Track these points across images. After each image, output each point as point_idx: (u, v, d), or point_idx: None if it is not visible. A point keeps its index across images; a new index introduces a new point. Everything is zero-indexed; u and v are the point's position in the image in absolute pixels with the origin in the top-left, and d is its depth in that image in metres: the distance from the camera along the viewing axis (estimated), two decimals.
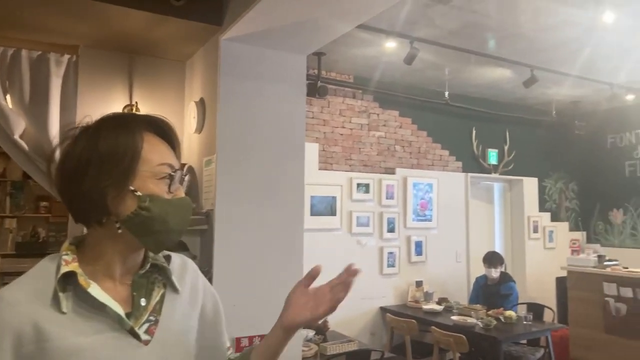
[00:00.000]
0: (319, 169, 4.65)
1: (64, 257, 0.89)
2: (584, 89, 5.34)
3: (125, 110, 3.14)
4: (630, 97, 5.54)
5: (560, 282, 5.70)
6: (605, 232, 6.38)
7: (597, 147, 6.43)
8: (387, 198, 5.00)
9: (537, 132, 6.24)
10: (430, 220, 5.30)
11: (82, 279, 0.86)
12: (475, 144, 5.75)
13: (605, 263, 4.86)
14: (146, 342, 0.89)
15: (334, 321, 3.79)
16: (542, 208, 6.26)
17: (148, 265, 0.96)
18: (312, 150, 4.53)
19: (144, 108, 3.12)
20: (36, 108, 2.83)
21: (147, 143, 0.90)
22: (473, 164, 5.74)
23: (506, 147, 6.00)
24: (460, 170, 5.64)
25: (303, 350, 2.93)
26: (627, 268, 4.72)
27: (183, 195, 0.94)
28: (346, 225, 4.74)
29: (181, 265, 1.05)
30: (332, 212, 4.66)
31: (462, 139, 5.69)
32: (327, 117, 4.79)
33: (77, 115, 2.97)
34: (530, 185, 6.17)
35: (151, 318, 0.92)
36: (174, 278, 0.99)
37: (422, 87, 5.29)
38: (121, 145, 0.87)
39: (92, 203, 0.87)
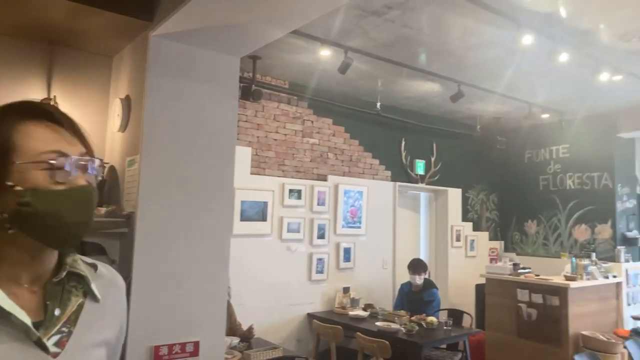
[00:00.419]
0: (251, 174, 4.60)
1: None
2: (506, 105, 5.67)
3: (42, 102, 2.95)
4: (545, 116, 5.96)
5: (479, 288, 5.99)
6: (520, 242, 6.79)
7: (516, 161, 6.84)
8: (318, 204, 5.04)
9: (462, 145, 6.54)
10: (359, 227, 5.39)
11: None
12: (404, 155, 5.93)
13: (520, 271, 5.18)
14: (54, 355, 0.82)
15: (260, 328, 3.75)
16: (464, 218, 6.56)
17: (64, 273, 0.88)
18: (244, 154, 4.48)
19: (64, 102, 2.94)
20: None
21: (22, 132, 0.82)
22: (401, 173, 5.92)
23: (433, 159, 6.24)
24: (389, 179, 5.79)
25: (226, 358, 2.86)
26: (538, 275, 5.05)
27: (81, 183, 0.84)
28: (276, 231, 4.71)
29: (109, 278, 0.98)
30: (263, 218, 4.62)
31: (392, 149, 5.86)
32: (262, 121, 4.76)
33: None
34: (454, 196, 6.45)
35: (64, 329, 0.85)
36: (94, 286, 0.92)
37: (356, 97, 5.39)
38: None
39: None
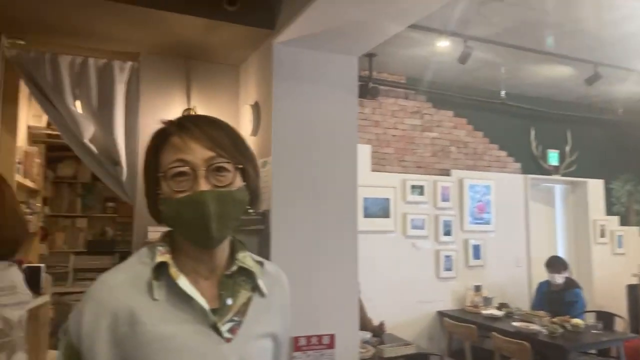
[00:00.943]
0: (372, 171, 4.62)
1: (159, 247, 0.94)
2: None
3: (184, 114, 3.25)
4: None
5: (633, 290, 5.36)
6: None
7: None
8: (442, 200, 4.90)
9: (601, 132, 5.93)
10: (488, 223, 5.14)
11: (172, 270, 0.91)
12: (534, 145, 5.54)
13: None
14: (228, 340, 0.91)
15: (391, 324, 3.74)
16: (609, 211, 5.93)
17: (234, 267, 0.97)
18: (364, 152, 4.52)
19: (201, 112, 3.22)
20: (103, 113, 2.98)
21: (162, 149, 0.94)
22: (532, 165, 5.52)
23: (568, 148, 5.73)
24: (519, 171, 5.44)
25: (360, 352, 2.90)
26: None
27: (200, 189, 0.89)
28: (400, 228, 4.67)
29: (274, 276, 1.06)
30: (386, 214, 4.61)
31: (521, 140, 5.49)
32: (379, 118, 4.76)
33: (140, 119, 3.11)
34: (595, 187, 5.86)
35: (235, 319, 0.94)
36: (261, 282, 1.00)
37: (477, 87, 5.16)
38: (146, 159, 0.97)
39: (149, 208, 0.97)
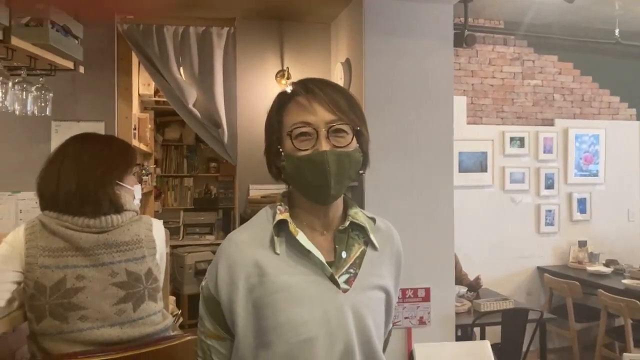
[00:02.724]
0: (468, 124, 4.46)
1: (279, 207, 1.03)
2: None
3: (278, 76, 3.35)
4: None
5: None
6: None
7: None
8: (544, 152, 4.63)
9: None
10: (596, 175, 4.79)
11: (292, 227, 1.00)
12: None
13: None
14: (344, 290, 0.99)
15: (487, 279, 3.70)
16: None
17: (347, 223, 1.04)
18: (459, 104, 4.35)
19: (294, 73, 3.29)
20: (204, 79, 3.16)
21: (286, 110, 1.00)
22: None
23: None
24: (634, 118, 4.96)
25: (456, 306, 2.93)
26: None
27: (322, 149, 0.95)
28: (498, 182, 4.51)
29: (386, 231, 1.11)
30: (483, 169, 4.47)
31: (637, 83, 4.97)
32: (476, 67, 4.54)
33: (237, 82, 3.25)
34: None
35: (351, 271, 1.01)
36: (373, 237, 1.06)
37: (586, 27, 4.69)
38: (269, 119, 1.04)
39: (269, 165, 1.05)
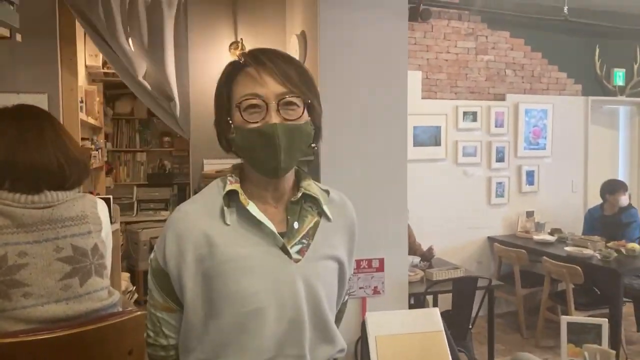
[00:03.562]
0: (422, 98, 4.53)
1: (229, 178, 1.02)
2: None
3: (231, 48, 3.27)
4: None
5: None
6: None
7: None
8: (496, 126, 4.77)
9: None
10: (544, 148, 4.99)
11: (242, 198, 0.99)
12: (598, 64, 5.19)
13: None
14: (296, 261, 0.99)
15: (439, 249, 3.82)
16: None
17: (300, 194, 1.04)
18: (414, 79, 4.40)
19: (249, 44, 3.22)
20: (154, 50, 3.04)
21: (235, 81, 0.99)
22: (595, 86, 5.21)
23: (636, 66, 5.34)
24: (579, 93, 5.16)
25: (409, 275, 3.01)
26: None
27: (272, 121, 0.94)
28: (451, 156, 4.63)
29: (339, 203, 1.12)
30: (437, 143, 4.56)
31: (583, 59, 5.16)
32: (431, 42, 4.58)
33: (189, 54, 3.16)
34: None
35: (303, 241, 1.02)
36: (326, 207, 1.06)
37: (537, 4, 4.81)
38: (219, 89, 1.02)
39: (219, 137, 1.04)
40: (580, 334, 1.45)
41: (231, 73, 1.00)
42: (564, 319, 1.44)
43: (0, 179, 1.39)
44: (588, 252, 3.97)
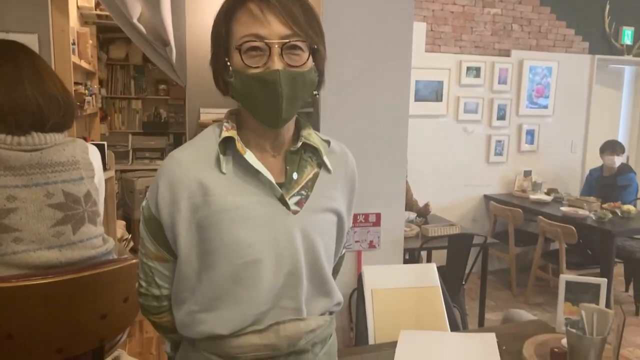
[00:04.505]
0: (426, 51, 4.41)
1: (225, 124, 0.96)
2: None
3: None
4: None
5: None
6: None
7: None
8: (499, 83, 4.67)
9: None
10: (545, 107, 4.91)
11: (239, 145, 0.93)
12: (607, 21, 5.04)
13: None
14: (295, 212, 0.95)
15: (436, 206, 3.82)
16: None
17: (299, 144, 0.98)
18: (418, 30, 4.27)
19: None
20: None
21: (235, 18, 0.90)
22: (603, 44, 5.08)
23: None
24: (586, 51, 5.04)
25: (405, 231, 3.01)
26: None
27: (274, 67, 0.86)
28: (452, 112, 4.55)
29: (340, 154, 1.06)
30: (438, 98, 4.47)
31: (593, 16, 5.00)
32: None
33: None
34: None
35: (302, 192, 0.97)
36: (327, 159, 1.01)
37: None
38: (216, 26, 0.93)
39: (215, 79, 0.96)
40: (577, 293, 1.45)
41: (231, 7, 0.91)
42: (563, 277, 1.43)
43: None
44: (583, 212, 3.98)
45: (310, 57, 0.92)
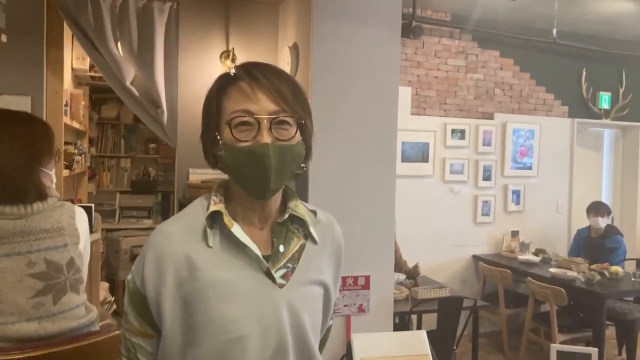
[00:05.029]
0: (412, 114, 4.53)
1: (213, 197, 0.97)
2: None
3: (222, 57, 3.23)
4: None
5: None
6: None
7: None
8: (484, 145, 4.78)
9: None
10: (530, 168, 5.02)
11: (226, 219, 0.93)
12: (584, 87, 5.26)
13: None
14: (281, 286, 0.94)
15: (425, 266, 3.79)
16: None
17: (287, 215, 0.99)
18: (404, 94, 4.40)
19: (240, 54, 3.19)
20: (143, 55, 2.99)
21: (226, 95, 0.93)
22: (581, 108, 5.28)
23: (622, 90, 5.42)
24: (566, 115, 5.22)
25: (395, 293, 2.98)
26: None
27: (263, 141, 0.89)
28: (439, 173, 4.63)
29: (327, 224, 1.07)
30: (424, 159, 4.56)
31: (570, 82, 5.23)
32: (422, 58, 4.60)
33: (179, 61, 3.11)
34: None
35: (288, 265, 0.96)
36: (313, 230, 1.01)
37: (527, 25, 4.87)
38: (208, 101, 0.96)
39: (205, 152, 0.98)
40: None
41: (222, 85, 0.95)
42: (554, 347, 1.41)
43: None
44: (572, 274, 3.98)
45: (298, 132, 0.95)
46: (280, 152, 0.91)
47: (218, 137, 0.94)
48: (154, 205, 5.17)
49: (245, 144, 0.90)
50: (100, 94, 4.88)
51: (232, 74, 0.95)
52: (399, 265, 3.59)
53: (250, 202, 0.96)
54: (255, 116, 0.90)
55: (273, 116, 0.91)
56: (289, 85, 0.94)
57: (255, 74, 0.92)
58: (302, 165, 0.98)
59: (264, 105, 0.91)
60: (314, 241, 1.02)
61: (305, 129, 0.96)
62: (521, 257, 4.55)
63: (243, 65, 0.96)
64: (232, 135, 0.91)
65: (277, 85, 0.92)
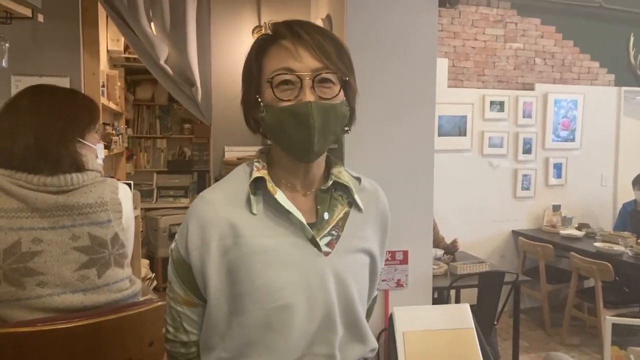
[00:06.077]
0: (448, 87, 4.40)
1: (256, 163, 0.94)
2: None
3: (255, 32, 3.20)
4: None
5: None
6: None
7: None
8: (523, 117, 4.62)
9: None
10: (572, 140, 4.82)
11: (270, 185, 0.91)
12: (632, 53, 4.99)
13: None
14: (326, 254, 0.92)
15: (463, 243, 3.72)
16: None
17: (330, 182, 0.96)
18: (441, 66, 4.26)
19: None
20: (176, 34, 2.99)
21: (267, 54, 0.90)
22: (628, 76, 5.02)
23: None
24: (612, 84, 4.97)
25: (433, 269, 2.93)
26: None
27: (305, 99, 0.86)
28: (477, 147, 4.50)
29: (372, 192, 1.04)
30: (462, 133, 4.44)
31: (617, 48, 4.96)
32: (458, 29, 4.44)
33: (212, 39, 3.10)
34: None
35: (333, 233, 0.94)
36: (358, 197, 0.98)
37: None
38: (248, 63, 0.94)
39: (246, 117, 0.95)
40: (625, 336, 1.36)
41: (262, 45, 0.92)
42: (609, 320, 1.35)
43: (21, 159, 1.30)
44: (619, 248, 3.83)
45: (342, 91, 0.91)
46: (324, 111, 0.87)
47: (259, 99, 0.91)
48: (191, 184, 5.24)
49: (287, 104, 0.87)
50: (134, 75, 4.94)
51: (271, 34, 0.91)
52: (437, 241, 3.53)
53: (293, 167, 0.93)
54: (297, 73, 0.87)
55: (316, 73, 0.87)
56: (332, 42, 0.90)
57: (297, 30, 0.89)
58: (346, 127, 0.95)
59: (306, 62, 0.87)
60: (358, 209, 0.99)
61: (349, 88, 0.93)
62: (563, 231, 4.41)
63: (284, 23, 0.92)
64: (274, 94, 0.87)
65: (319, 42, 0.88)
